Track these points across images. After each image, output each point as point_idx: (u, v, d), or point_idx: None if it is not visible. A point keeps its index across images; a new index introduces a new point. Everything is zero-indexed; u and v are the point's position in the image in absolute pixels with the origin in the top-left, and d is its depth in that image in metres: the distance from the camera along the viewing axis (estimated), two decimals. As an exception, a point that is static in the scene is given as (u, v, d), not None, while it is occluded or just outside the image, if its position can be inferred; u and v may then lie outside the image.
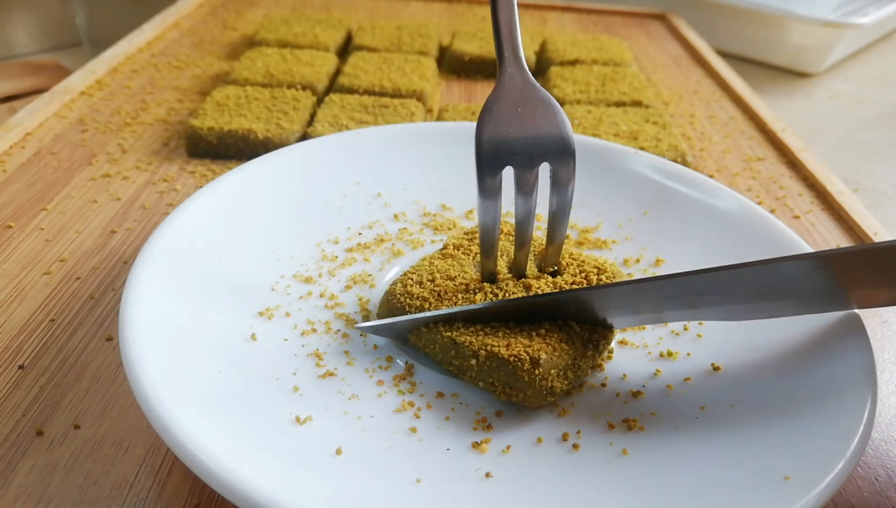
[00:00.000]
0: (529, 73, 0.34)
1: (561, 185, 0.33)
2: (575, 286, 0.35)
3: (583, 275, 0.35)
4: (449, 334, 0.32)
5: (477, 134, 0.32)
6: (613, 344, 0.35)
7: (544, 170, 0.33)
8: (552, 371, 0.30)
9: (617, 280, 0.36)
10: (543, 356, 0.30)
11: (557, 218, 0.34)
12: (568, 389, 0.31)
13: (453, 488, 0.27)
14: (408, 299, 0.34)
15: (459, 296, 0.34)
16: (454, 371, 0.32)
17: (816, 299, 0.31)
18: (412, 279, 0.35)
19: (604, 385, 0.33)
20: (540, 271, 0.36)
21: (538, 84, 0.33)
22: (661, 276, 0.30)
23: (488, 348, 0.31)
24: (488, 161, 0.32)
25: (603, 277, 0.35)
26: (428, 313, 0.33)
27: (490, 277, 0.35)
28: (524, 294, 0.34)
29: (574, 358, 0.31)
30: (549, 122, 0.32)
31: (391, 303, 0.34)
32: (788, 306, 0.31)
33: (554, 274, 0.36)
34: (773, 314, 0.32)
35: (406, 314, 0.34)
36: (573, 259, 0.36)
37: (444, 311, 0.33)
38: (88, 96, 0.61)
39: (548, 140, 0.32)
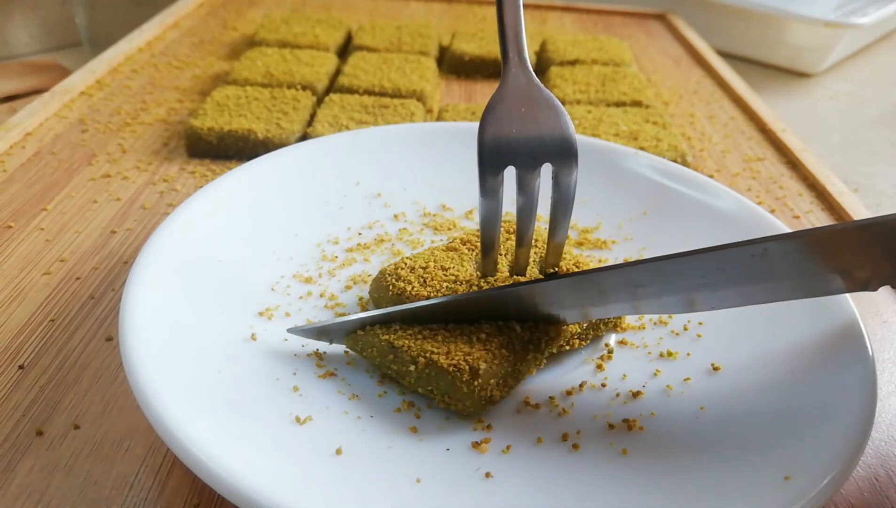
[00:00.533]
0: (533, 73, 0.34)
1: (562, 186, 0.33)
2: None
3: None
4: (387, 337, 0.31)
5: (480, 133, 0.32)
6: (613, 344, 0.35)
7: (546, 170, 0.33)
8: (491, 381, 0.30)
9: None
10: (483, 365, 0.30)
11: (558, 219, 0.34)
12: (506, 395, 0.31)
13: (453, 488, 0.27)
14: (393, 280, 0.34)
15: (444, 286, 0.34)
16: (392, 376, 0.31)
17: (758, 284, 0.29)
18: (406, 264, 0.35)
19: (604, 385, 0.33)
20: (541, 272, 0.36)
21: (542, 85, 0.33)
22: (599, 268, 0.30)
23: (427, 354, 0.30)
24: (490, 160, 0.32)
25: None
26: (362, 315, 0.32)
27: (488, 275, 0.35)
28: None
29: (514, 364, 0.31)
30: (553, 122, 0.32)
31: (380, 281, 0.35)
32: (735, 295, 0.29)
33: (554, 276, 0.36)
34: (718, 305, 0.30)
35: (388, 295, 0.34)
36: (576, 265, 0.36)
37: (380, 312, 0.32)
38: (88, 96, 0.61)
39: (550, 141, 0.32)
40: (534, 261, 0.37)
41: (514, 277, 0.35)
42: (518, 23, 0.34)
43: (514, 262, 0.35)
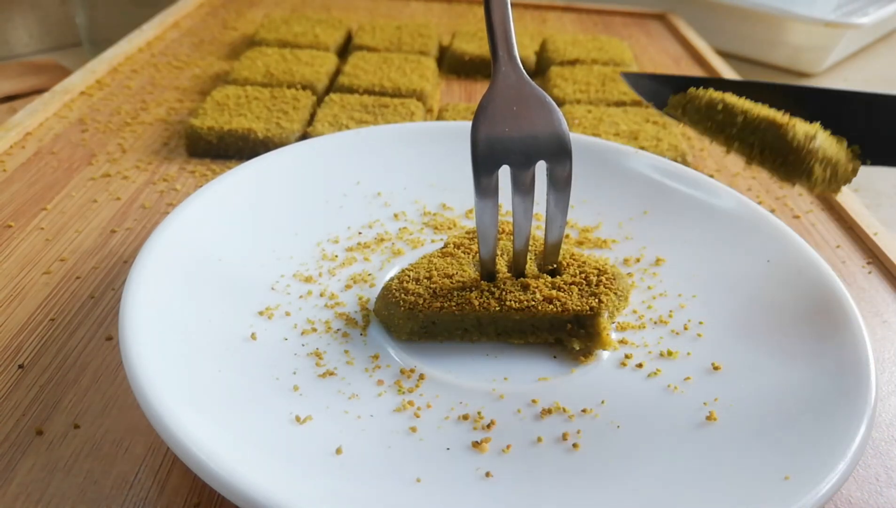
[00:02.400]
0: (524, 71, 0.33)
1: (558, 183, 0.33)
2: (574, 287, 0.35)
3: (583, 275, 0.35)
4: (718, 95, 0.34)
5: (473, 134, 0.32)
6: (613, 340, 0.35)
7: (542, 168, 0.32)
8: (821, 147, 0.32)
9: (617, 282, 0.36)
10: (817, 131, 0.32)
11: (555, 217, 0.34)
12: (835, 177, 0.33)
13: (453, 487, 0.27)
14: (403, 295, 0.34)
15: (455, 294, 0.34)
16: (711, 130, 0.34)
17: None
18: (409, 276, 0.35)
19: (604, 385, 0.33)
20: (540, 270, 0.36)
21: (533, 82, 0.33)
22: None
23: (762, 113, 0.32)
24: (484, 161, 0.32)
25: (603, 278, 0.35)
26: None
27: (489, 276, 0.35)
28: (522, 293, 0.34)
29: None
30: (545, 120, 0.32)
31: (387, 298, 0.35)
32: None
33: (553, 273, 0.36)
34: None
35: (400, 310, 0.33)
36: (574, 260, 0.36)
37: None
38: (88, 96, 0.61)
39: (544, 139, 0.32)
40: (531, 259, 0.37)
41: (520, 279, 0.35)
42: (506, 21, 0.34)
43: (512, 262, 0.35)
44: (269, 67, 0.64)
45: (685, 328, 0.36)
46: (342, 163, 0.45)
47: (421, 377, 0.32)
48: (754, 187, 0.55)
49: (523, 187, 0.32)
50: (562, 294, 0.34)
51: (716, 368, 0.33)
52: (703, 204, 0.43)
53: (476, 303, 0.34)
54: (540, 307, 0.34)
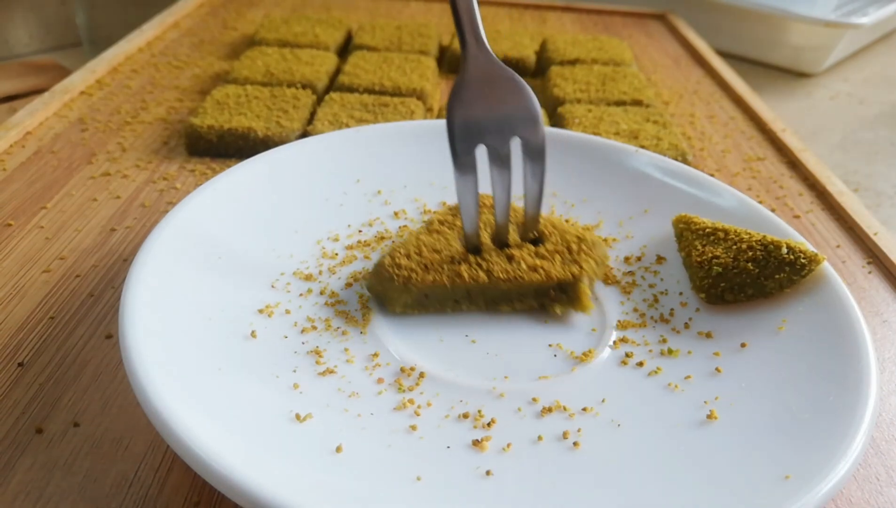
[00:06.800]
0: (492, 53, 0.35)
1: (533, 154, 0.34)
2: (556, 255, 0.36)
3: (564, 244, 0.37)
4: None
5: (448, 118, 0.33)
6: (614, 342, 0.35)
7: (518, 149, 0.34)
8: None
9: (596, 248, 0.37)
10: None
11: (533, 188, 0.35)
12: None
13: (453, 486, 0.27)
14: (396, 271, 0.35)
15: (446, 267, 0.36)
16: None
17: None
18: (400, 253, 0.37)
19: (604, 383, 0.33)
20: (522, 239, 0.38)
21: (501, 62, 0.35)
22: None
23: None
24: (461, 142, 0.33)
25: (583, 245, 0.37)
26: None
27: (474, 249, 0.37)
28: (507, 264, 0.36)
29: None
30: (516, 97, 0.34)
31: (381, 274, 0.36)
32: None
33: (535, 242, 0.37)
34: None
35: (395, 285, 0.35)
36: (554, 228, 0.38)
37: None
38: (88, 96, 0.61)
39: (516, 114, 0.34)
40: (512, 230, 0.38)
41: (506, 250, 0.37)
42: (472, 7, 0.35)
43: (495, 234, 0.37)
44: (269, 66, 0.64)
45: (686, 327, 0.36)
46: (342, 161, 0.45)
47: (421, 375, 0.32)
48: (754, 187, 0.55)
49: (500, 164, 0.34)
50: (545, 263, 0.36)
51: (717, 367, 0.33)
52: (704, 203, 0.43)
53: (466, 275, 0.35)
54: (526, 277, 0.35)
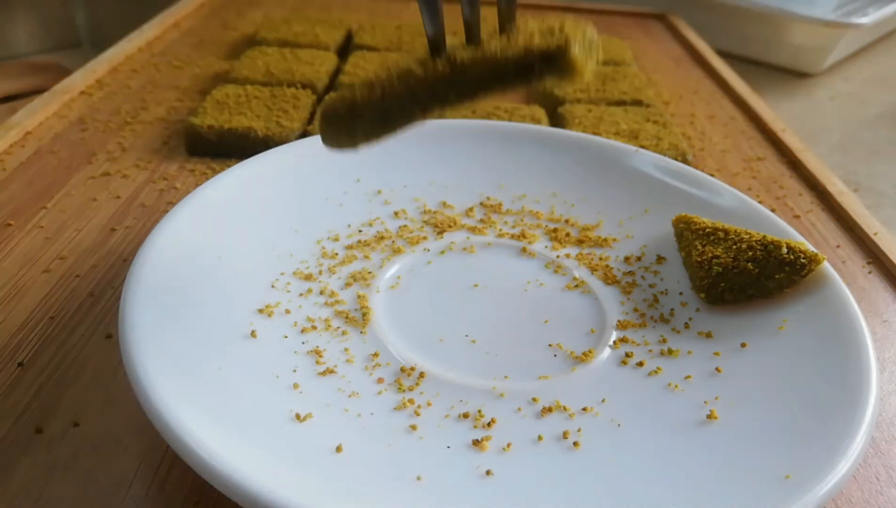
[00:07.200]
0: None
1: None
2: (535, 34, 0.30)
3: (545, 27, 0.31)
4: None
5: None
6: (613, 341, 0.35)
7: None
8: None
9: (584, 26, 0.30)
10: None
11: None
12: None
13: (454, 486, 0.27)
14: (341, 97, 0.31)
15: (402, 75, 0.30)
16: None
17: None
18: (344, 86, 0.31)
19: (605, 383, 0.33)
20: (500, 31, 0.31)
21: None
22: None
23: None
24: None
25: (566, 23, 0.30)
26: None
27: (437, 48, 0.31)
28: (475, 50, 0.30)
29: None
30: None
31: (327, 115, 0.31)
32: None
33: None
34: None
35: (342, 112, 0.31)
36: (534, 21, 0.31)
37: None
38: (88, 96, 0.61)
39: None
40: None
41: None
42: None
43: (464, 30, 0.31)
44: (270, 66, 0.64)
45: (686, 327, 0.36)
46: (342, 161, 0.45)
47: (421, 375, 0.32)
48: (754, 187, 0.55)
49: None
50: (522, 38, 0.30)
51: (717, 368, 0.33)
52: (704, 203, 0.43)
53: (420, 70, 0.30)
54: (499, 54, 0.29)
